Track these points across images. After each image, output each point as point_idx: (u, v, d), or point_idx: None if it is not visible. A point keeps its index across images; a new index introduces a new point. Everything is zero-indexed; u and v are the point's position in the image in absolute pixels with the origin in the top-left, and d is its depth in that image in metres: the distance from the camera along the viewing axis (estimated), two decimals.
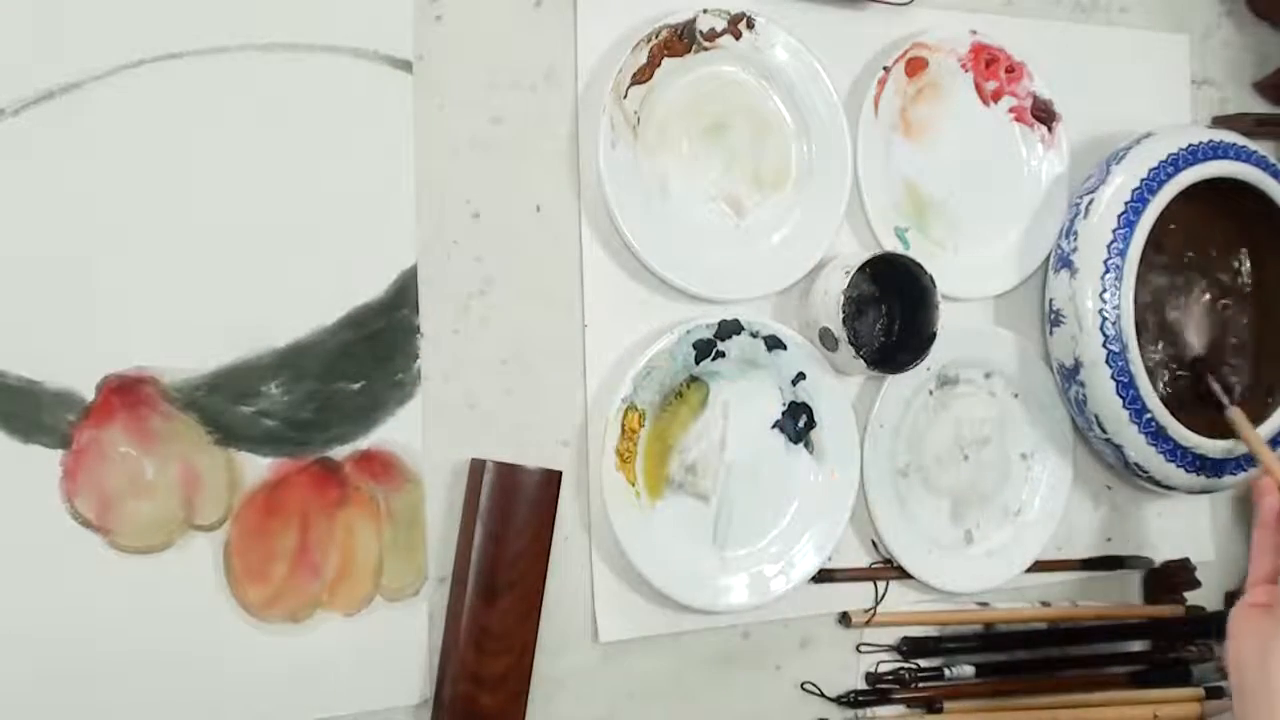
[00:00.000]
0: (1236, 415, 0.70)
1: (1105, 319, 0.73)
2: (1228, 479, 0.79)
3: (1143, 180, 0.74)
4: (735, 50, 0.70)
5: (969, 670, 0.76)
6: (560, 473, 0.65)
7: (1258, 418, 0.78)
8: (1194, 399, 0.78)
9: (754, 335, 0.70)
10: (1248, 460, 0.78)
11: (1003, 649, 0.79)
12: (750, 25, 0.70)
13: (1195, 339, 0.82)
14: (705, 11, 0.69)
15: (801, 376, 0.72)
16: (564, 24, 0.68)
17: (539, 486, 0.64)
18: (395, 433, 0.63)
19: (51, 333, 0.56)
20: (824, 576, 0.73)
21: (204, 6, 0.59)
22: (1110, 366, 0.73)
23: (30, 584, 0.55)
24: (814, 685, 0.74)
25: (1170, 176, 0.74)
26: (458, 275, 0.65)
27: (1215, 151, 0.76)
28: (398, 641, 0.63)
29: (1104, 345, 0.73)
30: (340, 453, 0.62)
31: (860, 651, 0.75)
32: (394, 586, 0.63)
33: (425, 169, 0.64)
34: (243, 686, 0.60)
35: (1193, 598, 0.85)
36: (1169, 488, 0.79)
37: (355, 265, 0.62)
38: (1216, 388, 0.73)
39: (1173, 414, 0.74)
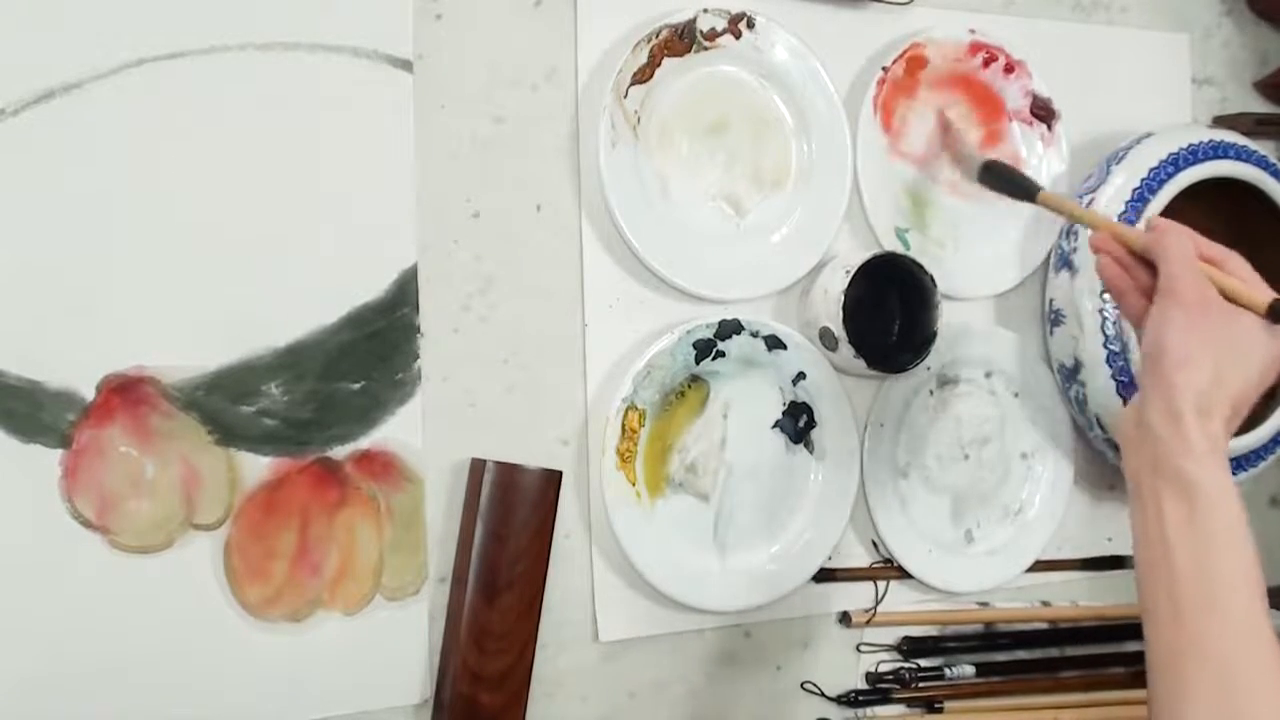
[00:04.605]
0: (1049, 196, 0.67)
1: (1105, 319, 0.73)
2: None
3: (1143, 180, 0.74)
4: (735, 50, 0.70)
5: (969, 670, 0.76)
6: (560, 472, 0.65)
7: (1257, 417, 0.78)
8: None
9: (754, 335, 0.70)
10: (1248, 460, 0.78)
11: (1003, 649, 0.79)
12: (750, 25, 0.70)
13: None
14: (705, 11, 0.69)
15: (801, 376, 0.72)
16: (564, 24, 0.68)
17: (539, 486, 0.64)
18: (395, 432, 0.63)
19: (51, 333, 0.56)
20: (824, 576, 0.73)
21: (204, 6, 0.59)
22: (1110, 366, 0.73)
23: (30, 584, 0.55)
24: (814, 685, 0.74)
25: (1170, 176, 0.74)
26: (458, 275, 0.65)
27: (1215, 151, 0.76)
28: (398, 641, 0.63)
29: (1104, 345, 0.73)
30: (340, 452, 0.62)
31: (860, 651, 0.75)
32: (394, 586, 0.63)
33: (425, 169, 0.64)
34: (242, 686, 0.60)
35: None
36: None
37: (355, 265, 0.62)
38: (1020, 174, 0.69)
39: None
